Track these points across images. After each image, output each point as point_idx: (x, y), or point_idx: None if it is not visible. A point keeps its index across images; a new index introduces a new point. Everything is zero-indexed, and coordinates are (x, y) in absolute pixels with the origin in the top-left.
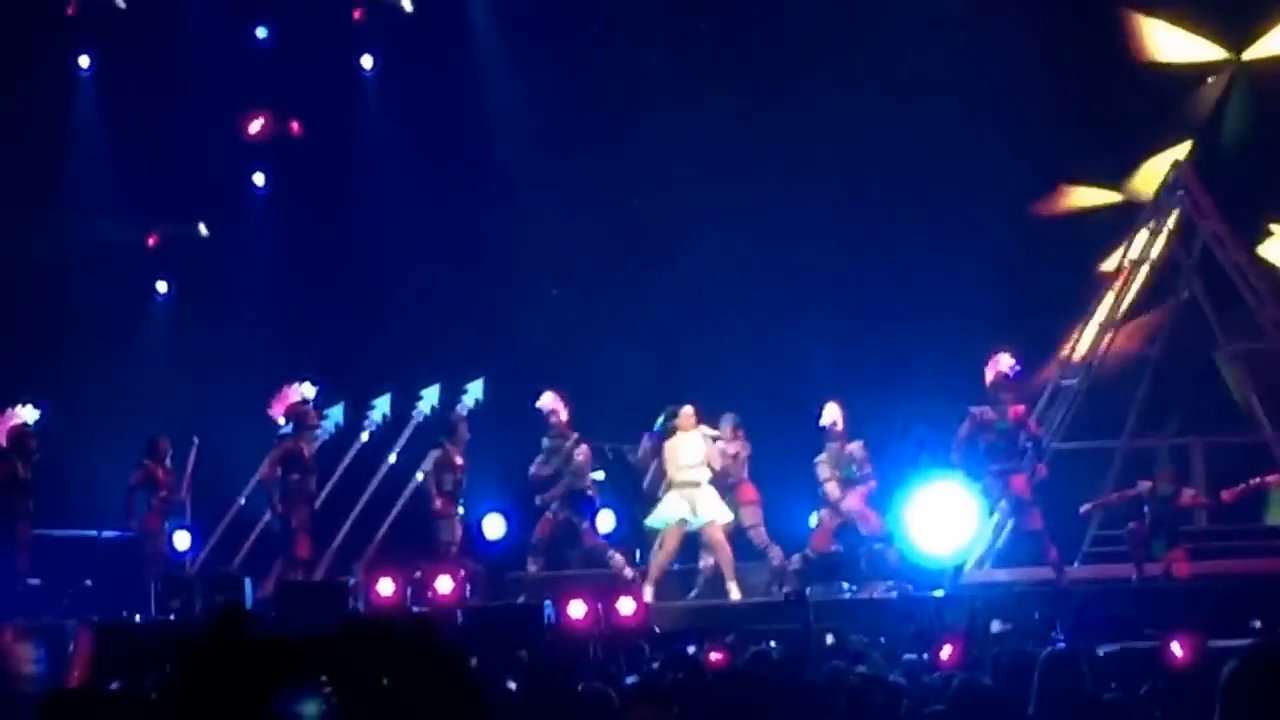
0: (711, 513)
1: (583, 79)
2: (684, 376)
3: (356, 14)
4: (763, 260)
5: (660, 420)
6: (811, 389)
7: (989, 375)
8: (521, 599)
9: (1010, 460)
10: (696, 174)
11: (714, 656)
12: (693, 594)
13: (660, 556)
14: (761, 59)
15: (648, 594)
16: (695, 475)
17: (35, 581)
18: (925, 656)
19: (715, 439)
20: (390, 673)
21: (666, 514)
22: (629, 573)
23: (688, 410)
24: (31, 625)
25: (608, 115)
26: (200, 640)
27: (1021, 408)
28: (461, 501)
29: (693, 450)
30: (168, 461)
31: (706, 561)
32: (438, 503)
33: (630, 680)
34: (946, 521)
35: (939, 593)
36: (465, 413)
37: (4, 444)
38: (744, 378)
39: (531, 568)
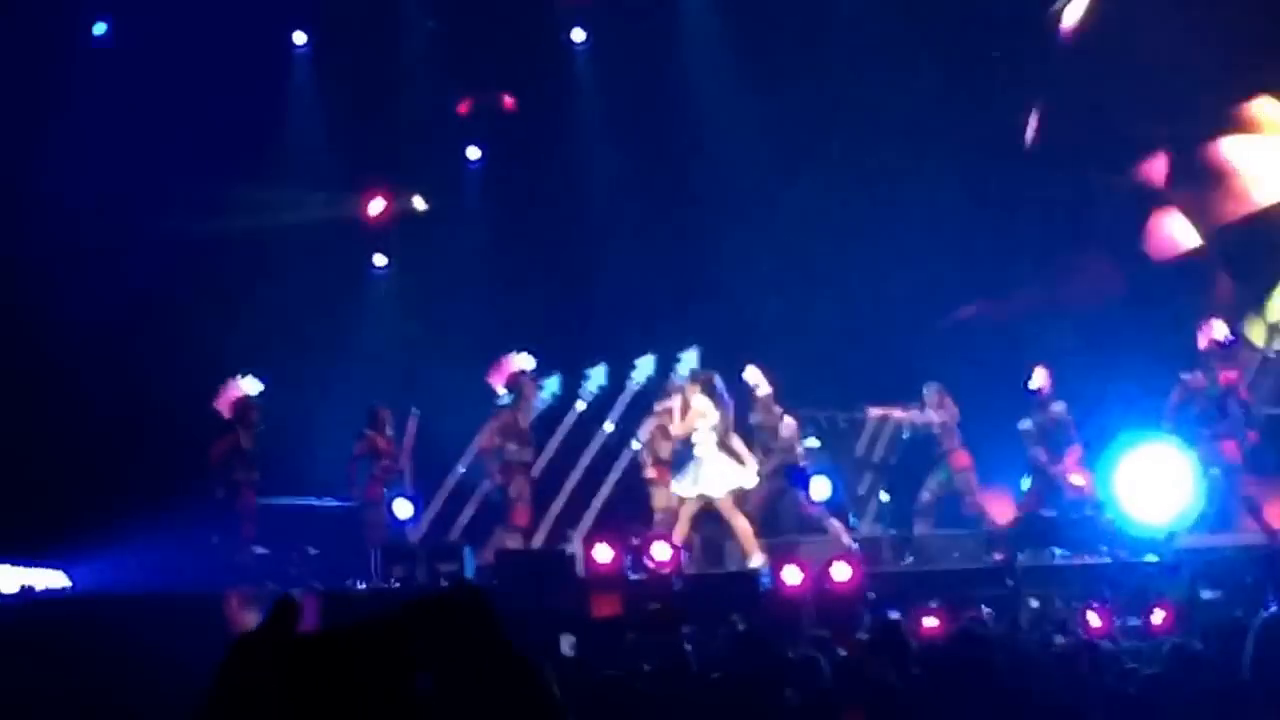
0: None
1: (793, 50)
2: (895, 341)
3: None
4: (979, 227)
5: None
6: (1019, 353)
7: (1201, 341)
8: (736, 566)
9: (1221, 426)
10: (904, 137)
11: (926, 623)
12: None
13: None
14: None
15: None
16: (700, 445)
17: (261, 550)
18: (1138, 622)
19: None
20: (446, 661)
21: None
22: (847, 539)
23: (686, 382)
24: (256, 593)
25: (818, 88)
26: (250, 636)
27: (1234, 374)
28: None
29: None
30: (388, 431)
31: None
32: (653, 471)
33: (842, 650)
34: (1159, 487)
35: (1152, 558)
36: (680, 382)
37: (228, 415)
38: (953, 341)
39: None
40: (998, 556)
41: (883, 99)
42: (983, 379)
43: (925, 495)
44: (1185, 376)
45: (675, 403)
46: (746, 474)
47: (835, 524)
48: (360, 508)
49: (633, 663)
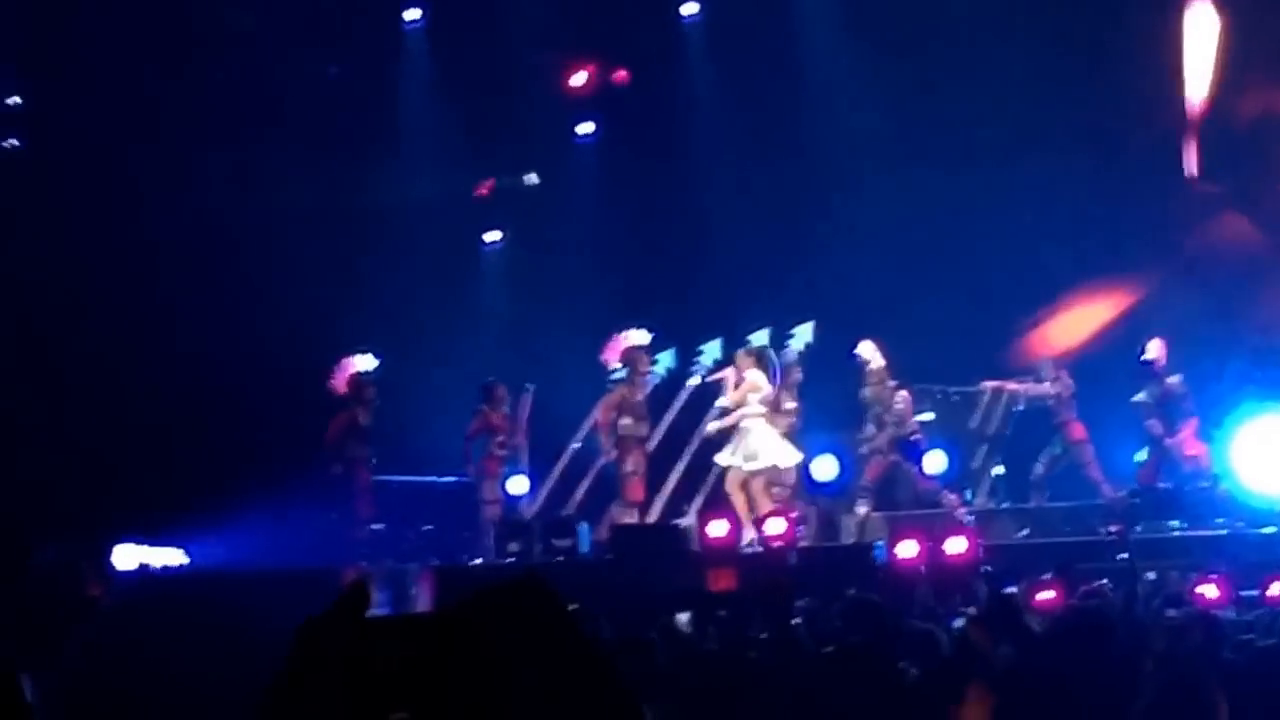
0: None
1: (909, 21)
2: (1007, 313)
3: None
4: (1091, 197)
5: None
6: (1134, 325)
7: None
8: (851, 540)
9: None
10: (1023, 106)
11: (1042, 596)
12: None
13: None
14: None
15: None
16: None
17: (377, 527)
18: (1254, 593)
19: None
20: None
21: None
22: (961, 513)
23: (740, 354)
24: (374, 570)
25: (935, 60)
26: (319, 618)
27: None
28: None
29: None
30: (503, 408)
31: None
32: None
33: (957, 623)
34: (1277, 457)
35: (1269, 529)
36: (796, 357)
37: (344, 393)
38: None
39: (860, 509)
40: (1113, 529)
41: (1000, 69)
42: (1097, 351)
43: (1039, 468)
44: None
45: (729, 374)
46: (787, 453)
47: (950, 498)
48: (475, 484)
49: (747, 637)
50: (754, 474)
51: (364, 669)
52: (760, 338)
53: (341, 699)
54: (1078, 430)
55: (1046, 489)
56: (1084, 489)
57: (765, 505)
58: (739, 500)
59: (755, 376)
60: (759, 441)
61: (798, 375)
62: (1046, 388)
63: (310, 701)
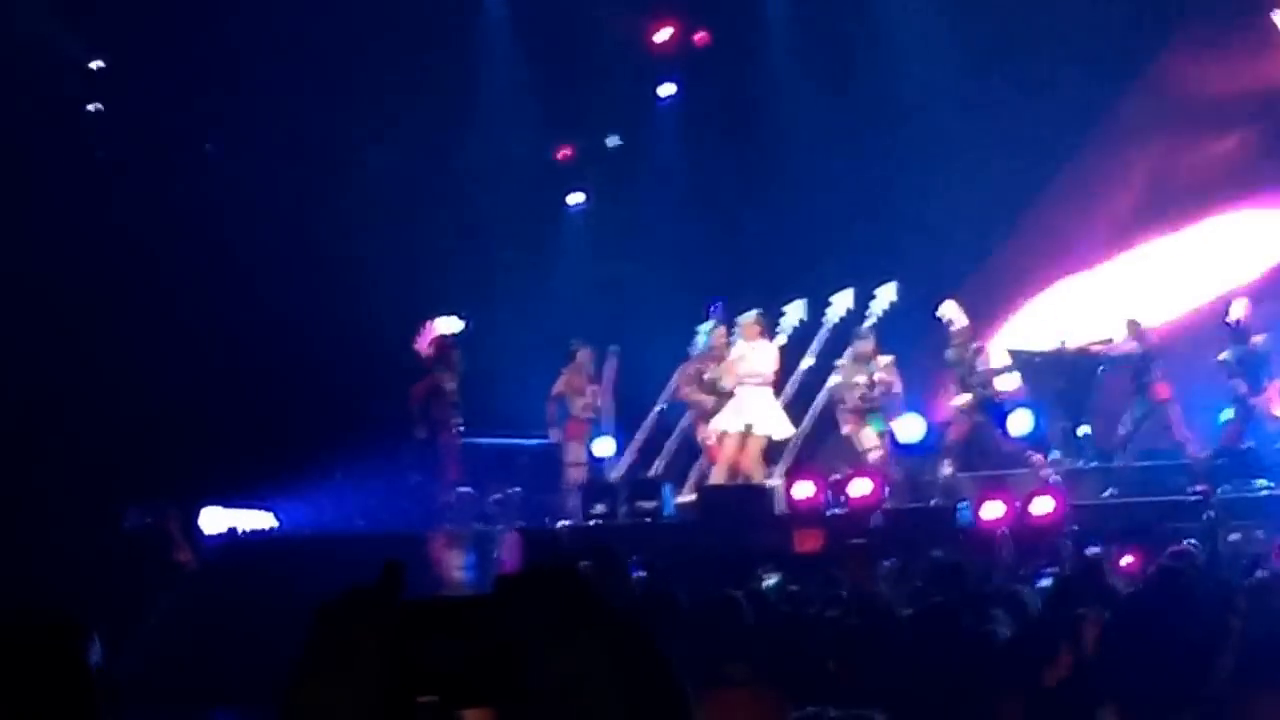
0: (767, 422)
1: None
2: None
3: None
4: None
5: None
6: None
7: None
8: (935, 501)
9: None
10: (1098, 68)
11: (1125, 560)
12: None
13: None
14: None
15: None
16: (754, 383)
17: (464, 490)
18: None
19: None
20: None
21: (725, 420)
22: (1047, 473)
23: (749, 318)
24: (461, 532)
25: (1015, 17)
26: (356, 596)
27: None
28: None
29: (756, 360)
30: (587, 370)
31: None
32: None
33: (1043, 583)
34: None
35: None
36: (869, 333)
37: (428, 356)
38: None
39: (945, 470)
40: (1199, 489)
41: (1082, 25)
42: (1184, 310)
43: (1123, 428)
44: None
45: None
46: (786, 425)
47: (1035, 458)
48: (559, 446)
49: (832, 597)
50: (751, 438)
51: (396, 652)
52: (844, 298)
53: (370, 681)
54: (1163, 390)
55: (1131, 448)
56: (1169, 449)
57: (758, 472)
58: (750, 466)
59: (742, 349)
60: (761, 407)
61: (866, 348)
62: (1131, 344)
63: (338, 685)
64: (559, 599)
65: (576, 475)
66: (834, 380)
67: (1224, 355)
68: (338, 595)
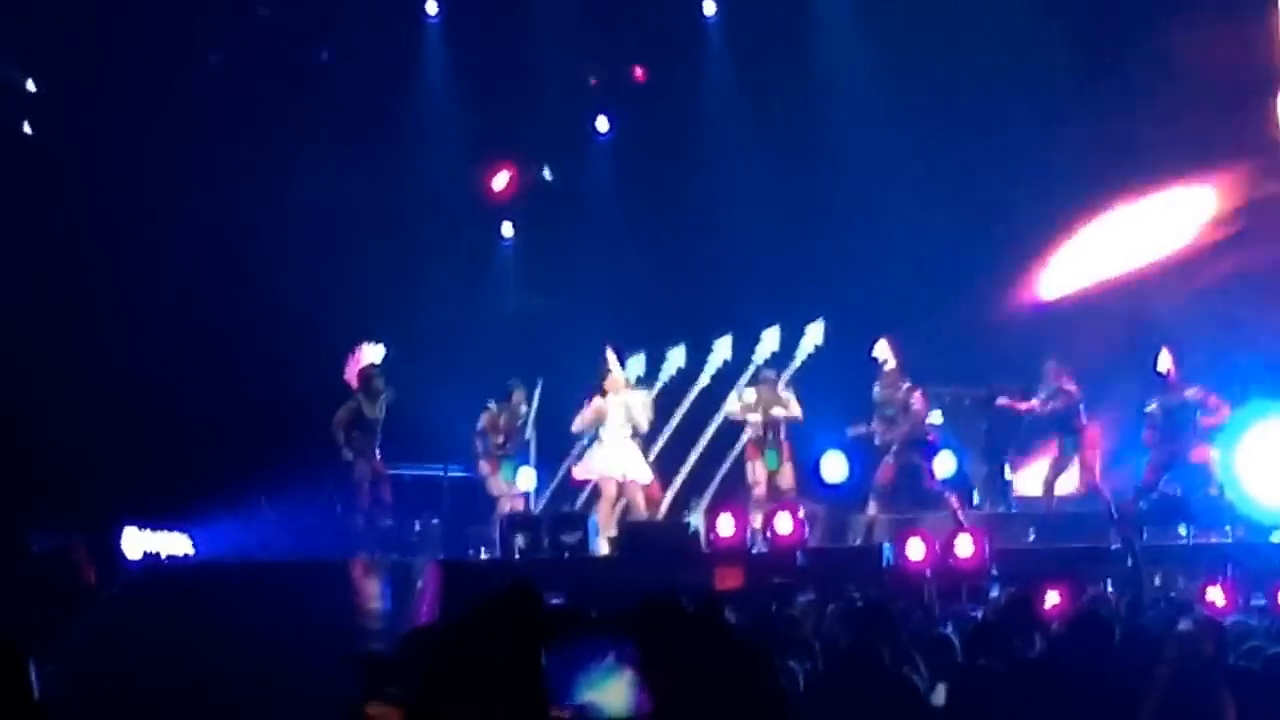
0: (634, 470)
1: (926, 21)
2: (1022, 319)
3: None
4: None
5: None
6: (1148, 336)
7: None
8: (858, 541)
9: None
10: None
11: (1049, 600)
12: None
13: (606, 507)
14: None
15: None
16: (622, 434)
17: (386, 519)
18: (1263, 601)
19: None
20: (685, 654)
21: (600, 467)
22: (963, 516)
23: (617, 374)
24: (379, 562)
25: (952, 60)
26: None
27: None
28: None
29: (621, 411)
30: (519, 407)
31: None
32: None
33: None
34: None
35: (1277, 537)
36: (772, 373)
37: (354, 385)
38: (1083, 325)
39: (871, 510)
40: (1121, 536)
41: (1018, 66)
42: (1110, 358)
43: (1047, 473)
44: None
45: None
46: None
47: (954, 500)
48: (485, 479)
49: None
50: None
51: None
52: (772, 336)
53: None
54: (1089, 436)
55: (1053, 494)
56: (1092, 495)
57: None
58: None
59: (601, 403)
60: (630, 454)
61: (769, 388)
62: (1053, 404)
63: (477, 701)
64: (685, 624)
65: (508, 506)
66: (731, 406)
67: (1151, 407)
68: (472, 611)
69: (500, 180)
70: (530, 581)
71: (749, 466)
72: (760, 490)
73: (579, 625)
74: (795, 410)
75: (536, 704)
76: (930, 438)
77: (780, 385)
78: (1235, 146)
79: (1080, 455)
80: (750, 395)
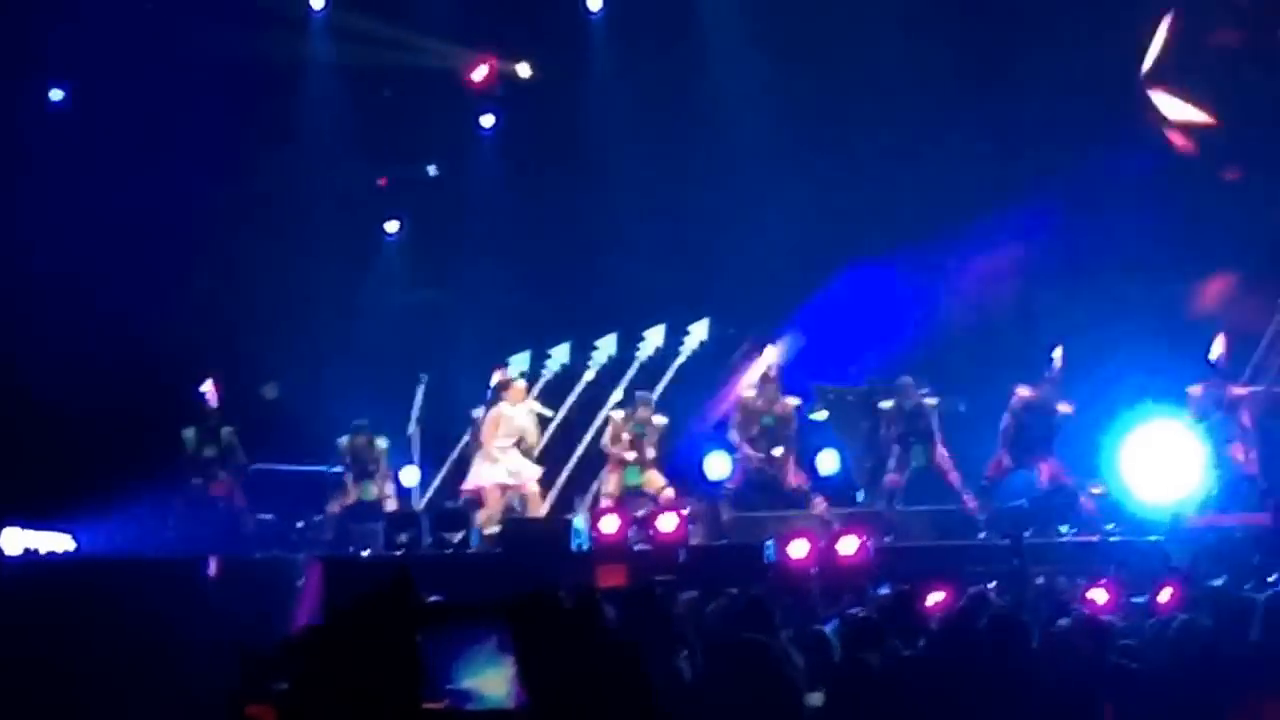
0: (523, 472)
1: (811, 18)
2: (906, 319)
3: None
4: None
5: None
6: (1035, 336)
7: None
8: (731, 539)
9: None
10: (920, 111)
11: (933, 599)
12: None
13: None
14: None
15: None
16: (508, 443)
17: (265, 516)
18: (1144, 599)
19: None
20: (560, 648)
21: (488, 475)
22: (828, 515)
23: (519, 384)
24: (241, 559)
25: (836, 57)
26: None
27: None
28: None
29: (517, 421)
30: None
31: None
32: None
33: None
34: (1168, 465)
35: (1158, 537)
36: (650, 399)
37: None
38: (970, 321)
39: (725, 514)
40: (1004, 534)
41: (901, 69)
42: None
43: (896, 475)
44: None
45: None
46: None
47: (820, 501)
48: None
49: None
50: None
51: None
52: (656, 334)
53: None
54: (941, 452)
55: (900, 492)
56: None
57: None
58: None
59: (497, 413)
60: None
61: (645, 412)
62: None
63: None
64: (563, 621)
65: (387, 507)
66: (606, 438)
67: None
68: (350, 603)
69: (384, 176)
70: (405, 572)
71: (608, 477)
72: (608, 503)
73: (458, 614)
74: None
75: (410, 698)
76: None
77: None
78: (1114, 142)
79: (935, 461)
80: (627, 419)
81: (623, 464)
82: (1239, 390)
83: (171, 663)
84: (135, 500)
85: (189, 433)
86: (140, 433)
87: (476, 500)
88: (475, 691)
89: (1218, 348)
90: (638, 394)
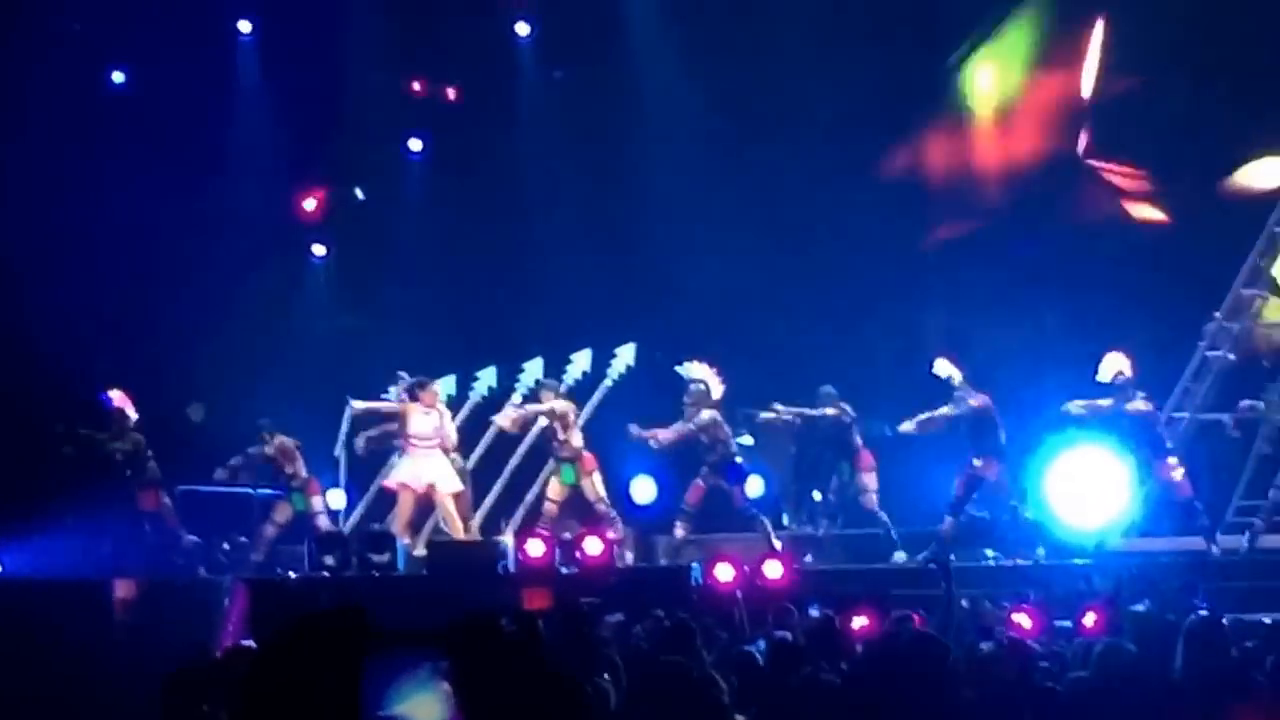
0: (442, 481)
1: (738, 43)
2: (830, 339)
3: None
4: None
5: (409, 383)
6: (962, 361)
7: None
8: (665, 562)
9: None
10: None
11: (858, 623)
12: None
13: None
14: None
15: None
16: (429, 445)
17: (194, 538)
18: (1068, 624)
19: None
20: (498, 673)
21: (407, 476)
22: (774, 538)
23: (436, 388)
24: (187, 581)
25: (764, 82)
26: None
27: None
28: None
29: (425, 423)
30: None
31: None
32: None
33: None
34: (1092, 490)
35: (1083, 561)
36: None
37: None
38: (873, 341)
39: (679, 531)
40: (928, 557)
41: (825, 95)
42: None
43: (825, 496)
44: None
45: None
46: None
47: (765, 522)
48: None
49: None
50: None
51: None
52: (582, 358)
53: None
54: (866, 457)
55: (839, 515)
56: (905, 516)
57: (455, 527)
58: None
59: (405, 408)
60: (434, 469)
61: (547, 398)
62: (830, 412)
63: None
64: (503, 647)
65: (320, 525)
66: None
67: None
68: (294, 625)
69: (311, 200)
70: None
71: (551, 482)
72: (551, 507)
73: (393, 639)
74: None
75: None
76: (739, 460)
77: (557, 393)
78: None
79: (857, 478)
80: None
81: (559, 464)
82: (1142, 406)
83: (92, 687)
84: (63, 520)
85: (101, 436)
86: (62, 455)
87: (394, 496)
88: (407, 717)
89: (1110, 366)
90: (539, 381)
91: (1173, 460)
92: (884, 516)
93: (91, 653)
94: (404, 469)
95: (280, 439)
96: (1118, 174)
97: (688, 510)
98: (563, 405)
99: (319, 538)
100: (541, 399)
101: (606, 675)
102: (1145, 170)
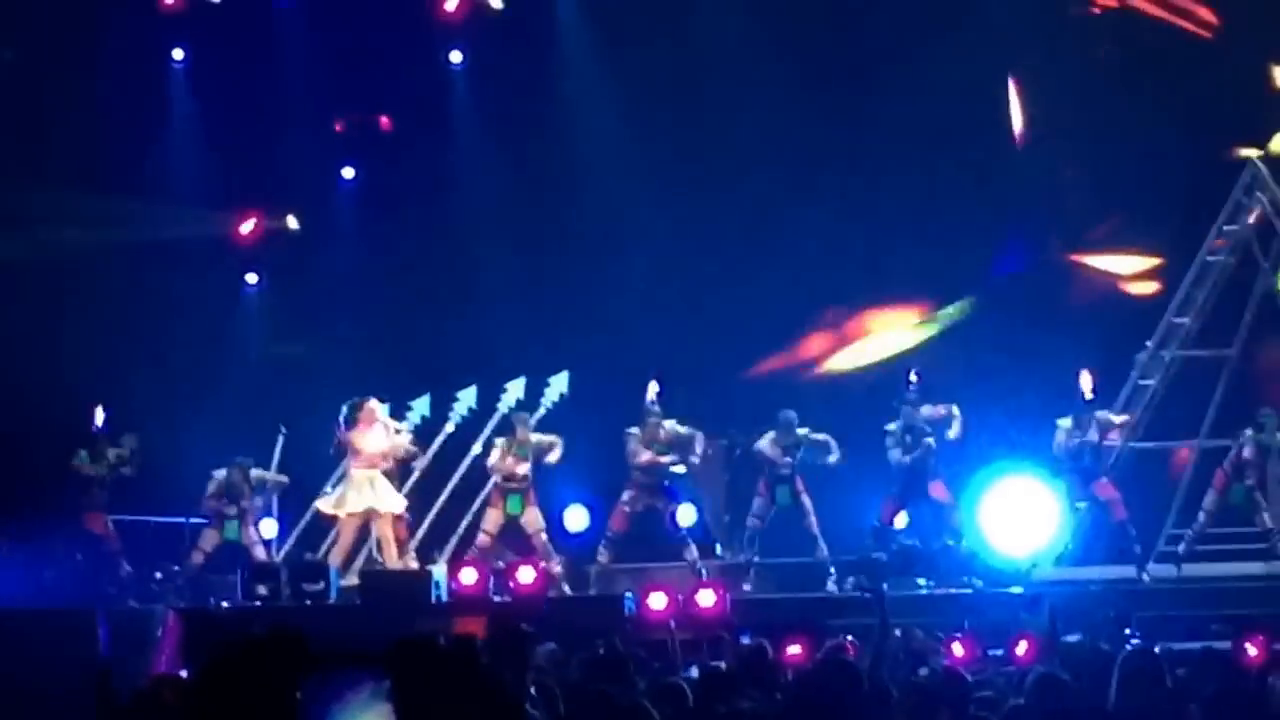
0: (384, 502)
1: (670, 73)
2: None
3: (446, 10)
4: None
5: (345, 411)
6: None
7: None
8: (593, 591)
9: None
10: (784, 167)
11: (791, 651)
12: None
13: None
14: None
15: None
16: (383, 464)
17: (126, 568)
18: (1001, 652)
19: (397, 431)
20: (439, 693)
21: (350, 503)
22: (700, 567)
23: (371, 405)
24: (118, 610)
25: (695, 112)
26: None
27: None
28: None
29: (375, 441)
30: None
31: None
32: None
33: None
34: (1024, 519)
35: (1016, 589)
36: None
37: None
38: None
39: (602, 559)
40: (861, 585)
41: (759, 123)
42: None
43: (755, 521)
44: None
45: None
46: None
47: (693, 551)
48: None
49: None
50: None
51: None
52: (517, 387)
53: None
54: (798, 484)
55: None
56: (836, 544)
57: (390, 551)
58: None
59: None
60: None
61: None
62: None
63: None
64: (441, 665)
65: (255, 555)
66: (492, 458)
67: (891, 425)
68: (231, 650)
69: (246, 226)
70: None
71: (488, 513)
72: (485, 539)
73: (336, 661)
74: (558, 446)
75: None
76: (667, 484)
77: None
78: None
79: (797, 503)
80: (509, 443)
81: (505, 494)
82: (1116, 418)
83: (32, 714)
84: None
85: (83, 453)
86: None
87: (330, 522)
88: None
89: (1086, 382)
90: (512, 414)
91: (1104, 480)
92: (822, 543)
93: (21, 681)
94: (346, 496)
95: (246, 475)
96: None
97: (611, 536)
98: (539, 437)
99: (251, 567)
100: (516, 430)
101: (537, 711)
102: None
